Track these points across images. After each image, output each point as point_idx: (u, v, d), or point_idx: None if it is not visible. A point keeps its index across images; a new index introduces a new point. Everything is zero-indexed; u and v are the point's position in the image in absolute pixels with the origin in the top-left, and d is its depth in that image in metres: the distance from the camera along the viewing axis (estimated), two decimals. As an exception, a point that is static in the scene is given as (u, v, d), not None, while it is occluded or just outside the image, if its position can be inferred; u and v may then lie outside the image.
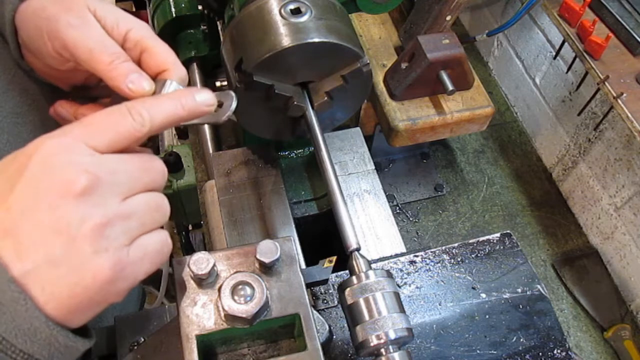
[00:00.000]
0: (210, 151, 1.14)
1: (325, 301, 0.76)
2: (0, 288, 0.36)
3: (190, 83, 1.27)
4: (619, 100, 1.33)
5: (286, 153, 1.03)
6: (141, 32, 0.53)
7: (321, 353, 0.57)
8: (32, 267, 0.37)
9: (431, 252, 0.83)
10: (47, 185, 0.38)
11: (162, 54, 0.54)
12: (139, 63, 0.54)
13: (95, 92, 0.57)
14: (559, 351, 0.74)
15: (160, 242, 0.44)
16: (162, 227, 0.46)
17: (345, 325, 0.66)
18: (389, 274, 0.62)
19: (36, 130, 0.57)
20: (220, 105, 0.54)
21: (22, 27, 0.52)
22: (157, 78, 0.54)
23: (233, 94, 0.55)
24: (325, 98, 0.78)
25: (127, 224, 0.41)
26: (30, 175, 0.38)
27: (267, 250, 0.58)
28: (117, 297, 0.41)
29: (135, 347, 0.67)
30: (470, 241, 0.85)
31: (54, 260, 0.37)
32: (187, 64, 1.28)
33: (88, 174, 0.39)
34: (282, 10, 0.73)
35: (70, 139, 0.40)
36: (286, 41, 0.71)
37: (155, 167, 0.46)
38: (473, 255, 0.82)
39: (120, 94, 0.50)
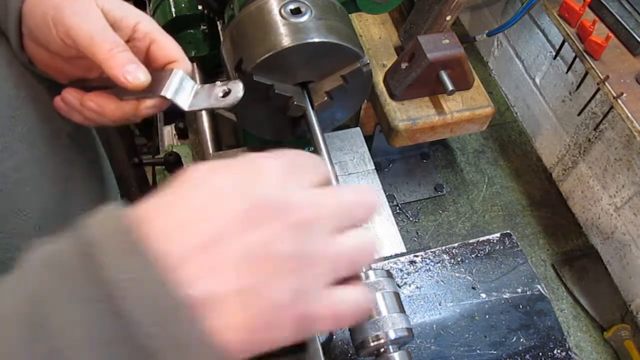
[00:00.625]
0: (210, 151, 1.14)
1: (325, 301, 0.76)
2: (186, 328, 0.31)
3: (190, 83, 1.27)
4: (619, 100, 1.33)
5: (286, 153, 1.03)
6: (150, 25, 0.55)
7: (321, 353, 0.57)
8: (219, 295, 0.33)
9: (431, 252, 0.83)
10: (263, 210, 0.34)
11: (171, 47, 0.55)
12: (147, 54, 0.55)
13: (93, 84, 0.58)
14: (559, 351, 0.74)
15: (355, 301, 0.38)
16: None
17: (345, 325, 0.67)
18: (389, 274, 0.62)
19: (31, 124, 0.57)
20: (228, 92, 0.55)
21: (30, 14, 0.53)
22: (165, 68, 0.55)
23: (241, 83, 0.56)
24: (325, 98, 0.78)
25: (331, 267, 0.36)
26: (246, 195, 0.35)
27: (267, 250, 0.58)
28: (270, 346, 0.36)
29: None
30: (470, 241, 0.85)
31: (250, 288, 0.33)
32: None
33: (305, 206, 0.35)
34: (282, 10, 0.73)
35: (288, 166, 0.38)
36: (286, 41, 0.71)
37: (368, 203, 0.40)
38: (473, 255, 0.82)
39: (117, 82, 0.51)
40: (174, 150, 1.31)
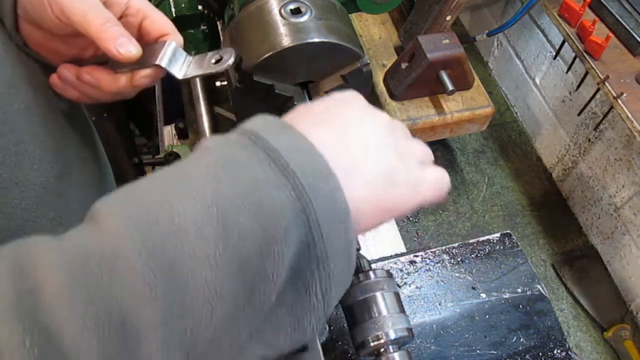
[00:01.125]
0: (210, 151, 1.14)
1: (325, 301, 0.76)
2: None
3: (190, 83, 1.27)
4: (619, 100, 1.33)
5: (286, 153, 1.03)
6: (142, 1, 0.58)
7: (321, 353, 0.57)
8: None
9: (431, 252, 0.83)
10: (374, 123, 0.48)
11: (162, 21, 0.59)
12: (140, 29, 0.58)
13: (86, 64, 0.60)
14: (559, 351, 0.74)
15: (441, 175, 0.55)
16: None
17: (345, 325, 0.67)
18: (389, 274, 0.62)
19: (29, 102, 0.58)
20: (220, 59, 0.58)
21: None
22: (157, 41, 0.58)
23: (233, 50, 0.58)
24: (325, 98, 0.78)
25: (421, 160, 0.52)
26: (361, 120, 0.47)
27: (267, 250, 0.58)
28: (398, 212, 0.48)
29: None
30: (470, 241, 0.85)
31: (372, 162, 0.45)
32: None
33: (406, 131, 0.53)
34: (282, 10, 0.73)
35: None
36: (286, 41, 0.71)
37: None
38: (473, 255, 0.82)
39: (109, 55, 0.53)
40: (174, 150, 1.31)
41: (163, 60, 0.56)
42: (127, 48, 0.53)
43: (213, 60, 0.57)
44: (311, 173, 0.39)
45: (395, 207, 0.47)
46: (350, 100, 0.49)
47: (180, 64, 0.58)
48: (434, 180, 0.52)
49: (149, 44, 0.58)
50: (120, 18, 0.56)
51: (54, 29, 0.56)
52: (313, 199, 0.38)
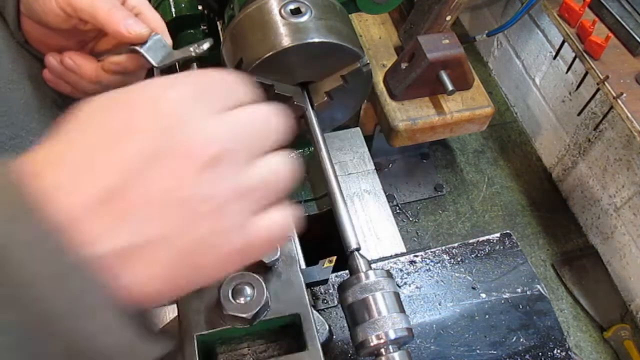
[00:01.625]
0: (210, 151, 1.14)
1: (325, 301, 0.77)
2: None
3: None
4: (619, 100, 1.33)
5: (286, 153, 1.03)
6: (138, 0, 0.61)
7: (321, 353, 0.57)
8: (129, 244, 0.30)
9: (431, 252, 0.83)
10: (166, 150, 0.31)
11: (154, 19, 0.61)
12: None
13: None
14: (558, 351, 0.74)
15: (278, 223, 0.37)
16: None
17: (345, 325, 0.67)
18: (389, 274, 0.62)
19: (27, 97, 0.60)
20: (198, 47, 0.63)
21: None
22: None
23: (210, 39, 0.64)
24: (325, 98, 0.78)
25: (248, 199, 0.34)
26: (145, 133, 0.31)
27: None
28: (197, 286, 0.34)
29: (135, 347, 0.67)
30: (470, 241, 0.85)
31: (162, 238, 0.31)
32: (187, 63, 1.27)
33: (217, 142, 0.32)
34: (282, 11, 0.73)
35: (192, 93, 0.33)
36: (286, 41, 0.71)
37: (276, 121, 0.37)
38: (473, 255, 0.82)
39: (118, 37, 0.56)
40: (174, 150, 1.31)
41: (143, 47, 0.58)
42: (135, 28, 0.56)
43: (191, 49, 0.62)
44: (47, 276, 0.28)
45: (203, 279, 0.34)
46: (143, 101, 0.33)
47: (160, 54, 0.61)
48: (267, 234, 0.36)
49: None
50: None
51: (56, 23, 0.57)
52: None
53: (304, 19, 0.73)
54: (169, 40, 0.62)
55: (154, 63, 0.60)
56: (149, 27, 0.58)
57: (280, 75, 0.75)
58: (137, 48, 0.58)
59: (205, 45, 0.64)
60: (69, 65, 0.59)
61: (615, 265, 1.83)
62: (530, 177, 2.13)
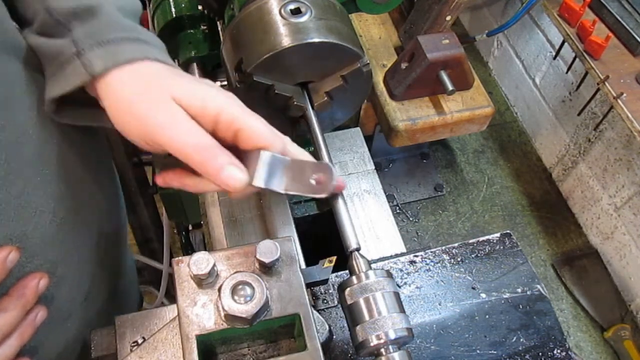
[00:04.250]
0: (210, 151, 1.14)
1: (325, 301, 0.77)
2: None
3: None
4: (619, 100, 1.33)
5: (286, 153, 1.03)
6: (232, 111, 0.52)
7: (321, 353, 0.57)
8: None
9: (431, 252, 0.83)
10: None
11: (258, 131, 0.53)
12: (234, 140, 0.54)
13: None
14: (559, 351, 0.74)
15: None
16: None
17: (345, 325, 0.67)
18: (389, 274, 0.62)
19: (39, 148, 0.56)
20: (319, 179, 0.55)
21: (103, 96, 0.52)
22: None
23: (330, 165, 0.56)
24: (325, 98, 0.78)
25: None
26: None
27: (267, 250, 0.58)
28: None
29: (135, 347, 0.67)
30: (470, 241, 0.85)
31: None
32: (187, 64, 1.28)
33: None
34: (282, 11, 0.73)
35: None
36: (286, 41, 0.71)
37: None
38: (473, 255, 0.82)
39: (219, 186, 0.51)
40: (174, 150, 1.31)
41: (259, 179, 0.53)
42: (235, 178, 0.50)
43: (312, 180, 0.55)
44: None
45: None
46: None
47: (278, 176, 0.55)
48: None
49: (244, 150, 0.54)
50: (210, 133, 0.52)
51: (140, 144, 0.53)
52: None
53: (304, 19, 0.73)
54: (278, 146, 0.55)
55: (280, 191, 0.55)
56: (246, 173, 0.51)
57: (280, 75, 0.75)
58: (256, 184, 0.52)
59: (330, 184, 0.57)
60: (176, 186, 0.57)
61: (615, 265, 1.83)
62: (530, 177, 2.13)
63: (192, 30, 1.26)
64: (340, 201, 0.68)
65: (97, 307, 0.73)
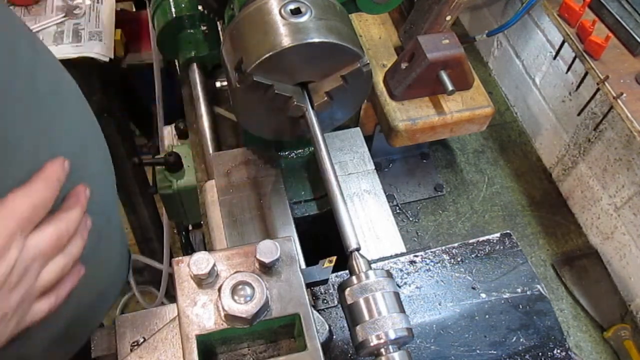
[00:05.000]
0: (210, 151, 1.14)
1: (325, 301, 0.77)
2: None
3: (190, 83, 1.27)
4: (619, 101, 1.33)
5: (286, 153, 1.03)
6: None
7: (321, 353, 0.57)
8: None
9: (431, 252, 0.83)
10: None
11: None
12: None
13: None
14: (558, 351, 0.74)
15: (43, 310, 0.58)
16: None
17: (345, 325, 0.67)
18: (389, 274, 0.62)
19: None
20: None
21: None
22: None
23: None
24: (325, 98, 0.78)
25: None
26: None
27: (267, 250, 0.58)
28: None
29: (135, 347, 0.67)
30: (470, 241, 0.85)
31: None
32: (187, 64, 1.28)
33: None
34: (282, 11, 0.73)
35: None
36: (286, 41, 0.71)
37: None
38: (473, 255, 0.82)
39: None
40: (174, 150, 1.31)
41: None
42: None
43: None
44: None
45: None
46: None
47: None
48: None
49: None
50: None
51: None
52: None
53: (304, 19, 0.73)
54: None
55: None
56: None
57: (280, 75, 0.75)
58: None
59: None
60: None
61: (615, 265, 1.83)
62: (530, 177, 2.13)
63: (192, 30, 1.26)
64: (340, 201, 0.68)
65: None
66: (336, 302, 0.76)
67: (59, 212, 0.57)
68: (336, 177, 0.71)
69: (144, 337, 0.70)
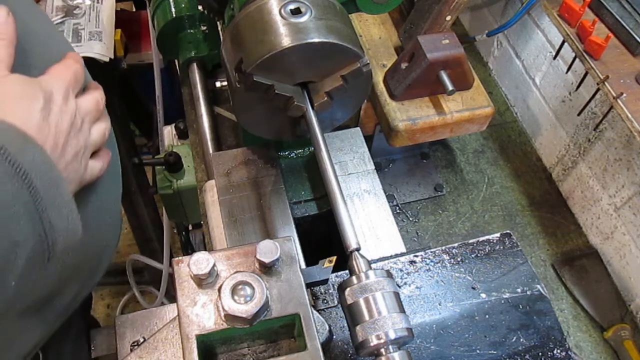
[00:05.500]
0: (210, 151, 1.14)
1: (325, 301, 0.77)
2: None
3: (190, 83, 1.27)
4: (619, 101, 1.33)
5: (286, 153, 1.03)
6: None
7: (321, 353, 0.57)
8: None
9: (431, 252, 0.83)
10: None
11: None
12: None
13: None
14: (558, 351, 0.74)
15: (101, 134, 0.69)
16: None
17: (345, 325, 0.67)
18: (389, 274, 0.62)
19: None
20: None
21: None
22: None
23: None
24: (325, 98, 0.78)
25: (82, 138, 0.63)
26: None
27: (267, 250, 0.58)
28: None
29: (135, 347, 0.67)
30: (470, 241, 0.85)
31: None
32: (187, 64, 1.28)
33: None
34: (282, 11, 0.73)
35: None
36: (286, 41, 0.71)
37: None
38: (473, 255, 0.82)
39: None
40: (174, 150, 1.31)
41: None
42: None
43: None
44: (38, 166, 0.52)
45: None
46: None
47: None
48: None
49: None
50: None
51: None
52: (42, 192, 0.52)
53: (304, 19, 0.73)
54: None
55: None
56: None
57: (280, 75, 0.75)
58: None
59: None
60: None
61: (615, 265, 1.83)
62: (530, 177, 2.13)
63: (192, 30, 1.26)
64: (340, 201, 0.68)
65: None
66: (336, 302, 0.76)
67: (89, 87, 0.68)
68: (336, 177, 0.71)
69: (144, 337, 0.70)
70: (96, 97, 0.68)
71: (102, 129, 0.68)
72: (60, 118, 0.59)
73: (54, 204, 0.55)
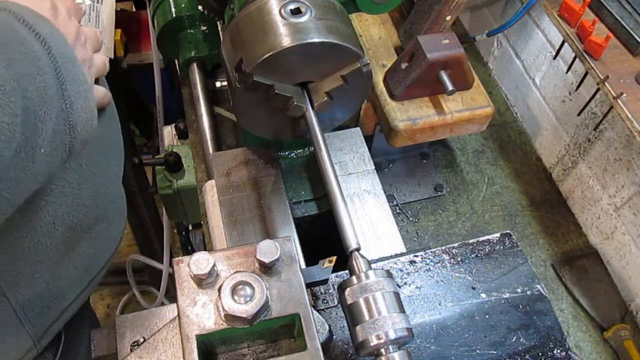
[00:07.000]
0: (210, 151, 1.14)
1: (325, 301, 0.77)
2: None
3: (190, 83, 1.27)
4: (619, 101, 1.33)
5: (286, 153, 1.03)
6: None
7: (321, 353, 0.57)
8: None
9: (431, 252, 0.83)
10: None
11: None
12: None
13: None
14: (558, 351, 0.74)
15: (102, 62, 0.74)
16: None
17: (345, 325, 0.67)
18: (389, 274, 0.62)
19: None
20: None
21: None
22: None
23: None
24: (325, 98, 0.78)
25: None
26: None
27: (267, 250, 0.58)
28: None
29: (135, 347, 0.67)
30: (470, 241, 0.85)
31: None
32: (187, 64, 1.28)
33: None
34: (282, 11, 0.73)
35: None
36: (286, 41, 0.71)
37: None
38: (473, 255, 0.82)
39: None
40: (174, 150, 1.31)
41: None
42: None
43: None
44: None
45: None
46: None
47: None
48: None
49: None
50: None
51: None
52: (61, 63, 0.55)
53: (304, 19, 0.73)
54: None
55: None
56: None
57: (280, 75, 0.75)
58: None
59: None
60: None
61: (615, 265, 1.83)
62: (530, 177, 2.13)
63: (192, 30, 1.26)
64: (340, 201, 0.68)
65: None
66: (336, 302, 0.76)
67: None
68: (336, 177, 0.71)
69: (144, 337, 0.70)
70: (94, 30, 0.71)
71: (103, 58, 0.71)
72: (67, 24, 0.61)
73: (72, 77, 0.56)
